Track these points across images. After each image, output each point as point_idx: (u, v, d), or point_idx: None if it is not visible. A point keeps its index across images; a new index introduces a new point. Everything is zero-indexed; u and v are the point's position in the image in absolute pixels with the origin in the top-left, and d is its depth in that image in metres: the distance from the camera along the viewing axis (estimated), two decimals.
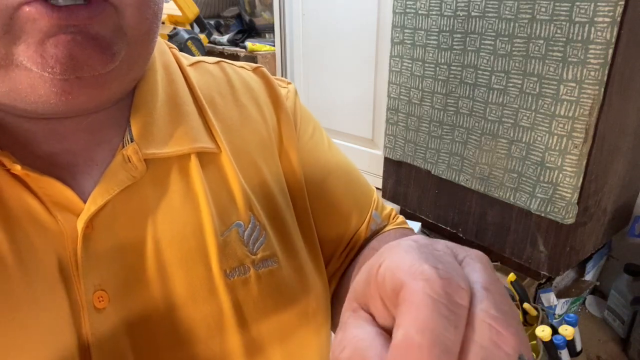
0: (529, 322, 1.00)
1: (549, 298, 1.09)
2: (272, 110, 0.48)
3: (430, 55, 1.03)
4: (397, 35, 1.09)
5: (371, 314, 0.21)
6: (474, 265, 0.21)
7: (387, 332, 0.20)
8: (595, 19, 0.75)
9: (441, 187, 1.11)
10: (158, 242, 0.37)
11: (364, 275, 0.22)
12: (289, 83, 0.51)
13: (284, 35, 1.67)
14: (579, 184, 0.86)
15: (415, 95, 1.09)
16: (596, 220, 0.98)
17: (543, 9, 0.82)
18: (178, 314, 0.37)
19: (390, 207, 0.57)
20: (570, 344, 0.94)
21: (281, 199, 0.45)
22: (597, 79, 0.78)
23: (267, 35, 1.93)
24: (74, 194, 0.34)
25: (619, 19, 0.75)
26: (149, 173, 0.37)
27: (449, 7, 0.97)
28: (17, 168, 0.32)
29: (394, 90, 1.14)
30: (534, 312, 0.99)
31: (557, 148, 0.85)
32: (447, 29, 0.98)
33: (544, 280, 1.10)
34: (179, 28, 1.63)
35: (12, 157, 0.32)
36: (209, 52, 1.87)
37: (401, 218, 0.57)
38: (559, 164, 0.86)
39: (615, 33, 0.75)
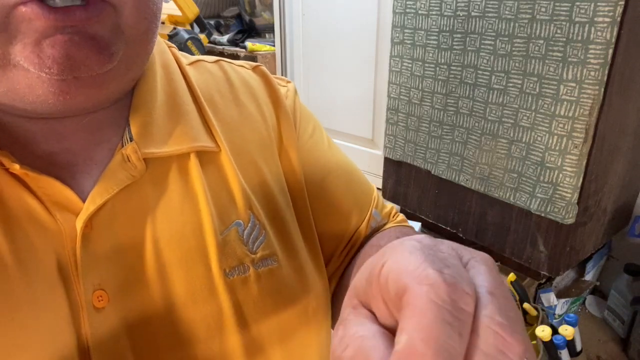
0: (529, 322, 1.00)
1: (549, 298, 1.09)
2: (272, 109, 0.48)
3: (430, 55, 1.03)
4: (397, 35, 1.09)
5: (372, 312, 0.21)
6: (479, 268, 0.20)
7: (389, 331, 0.20)
8: (595, 19, 0.75)
9: (441, 187, 1.11)
10: (157, 241, 0.37)
11: (365, 273, 0.21)
12: (289, 82, 0.51)
13: (284, 35, 1.67)
14: (579, 184, 0.86)
15: (415, 95, 1.09)
16: (596, 220, 0.98)
17: (543, 9, 0.82)
18: (178, 314, 0.37)
19: (391, 205, 0.57)
20: (570, 344, 0.94)
21: (281, 198, 0.45)
22: (597, 79, 0.78)
23: (267, 35, 1.93)
24: (73, 193, 0.34)
25: (619, 19, 0.74)
26: (149, 172, 0.37)
27: (449, 7, 0.97)
28: (16, 167, 0.32)
29: (394, 90, 1.14)
30: (534, 312, 0.99)
31: (557, 148, 0.85)
32: (447, 29, 0.98)
33: (544, 280, 1.10)
34: (179, 28, 1.63)
35: (11, 157, 0.32)
36: (209, 52, 1.87)
37: (401, 216, 0.57)
38: (559, 164, 0.86)
39: (615, 33, 0.75)
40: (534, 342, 0.94)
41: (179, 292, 0.37)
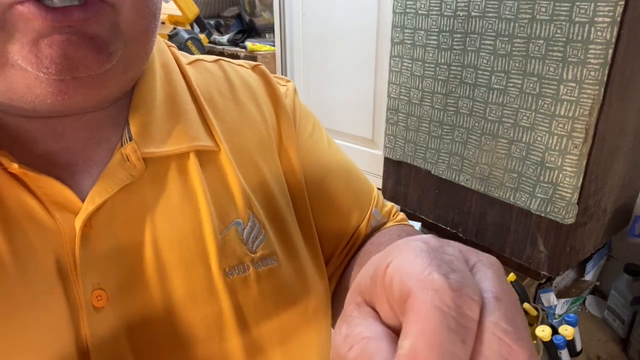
0: (529, 322, 1.00)
1: (549, 298, 1.09)
2: (272, 109, 0.48)
3: (430, 55, 1.03)
4: (397, 35, 1.09)
5: (375, 311, 0.21)
6: (486, 272, 0.20)
7: (393, 331, 0.19)
8: (595, 19, 0.75)
9: (441, 187, 1.11)
10: (157, 241, 0.36)
11: (370, 271, 0.21)
12: (288, 81, 0.51)
13: (284, 35, 1.67)
14: (579, 184, 0.85)
15: (415, 95, 1.09)
16: (596, 220, 0.97)
17: (543, 9, 0.82)
18: (177, 314, 0.37)
19: (391, 204, 0.57)
20: (570, 344, 0.94)
21: (281, 197, 0.45)
22: (597, 79, 0.78)
23: (267, 35, 1.93)
24: (72, 193, 0.34)
25: (619, 19, 0.74)
26: (148, 172, 0.37)
27: (449, 7, 0.96)
28: (15, 167, 0.32)
29: (394, 90, 1.14)
30: (534, 312, 0.99)
31: (557, 148, 0.85)
32: (447, 29, 0.98)
33: (544, 280, 1.10)
34: (179, 28, 1.63)
35: (9, 157, 0.32)
36: (209, 52, 1.87)
37: (401, 215, 0.57)
38: (559, 164, 0.85)
39: (615, 33, 0.75)
40: (534, 342, 0.94)
41: (178, 291, 0.37)
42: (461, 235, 1.10)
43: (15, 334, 0.31)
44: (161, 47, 0.44)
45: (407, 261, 0.19)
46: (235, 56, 1.83)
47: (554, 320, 1.11)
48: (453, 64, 0.99)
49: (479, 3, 0.91)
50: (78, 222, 0.33)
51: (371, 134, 1.45)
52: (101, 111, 0.37)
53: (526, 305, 0.99)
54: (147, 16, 0.33)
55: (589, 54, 0.77)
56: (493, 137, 0.95)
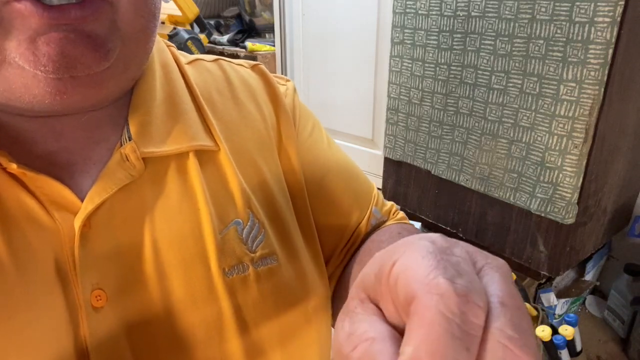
0: None
1: (549, 298, 1.09)
2: (271, 108, 0.48)
3: (430, 55, 1.03)
4: (397, 35, 1.09)
5: (379, 308, 0.20)
6: (493, 276, 0.19)
7: (397, 330, 0.19)
8: (595, 19, 0.75)
9: (441, 187, 1.11)
10: (156, 241, 0.36)
11: (375, 268, 0.20)
12: (288, 80, 0.51)
13: (284, 35, 1.67)
14: (579, 184, 0.85)
15: (415, 95, 1.09)
16: (596, 220, 0.97)
17: (543, 9, 0.82)
18: (177, 314, 0.37)
19: (391, 203, 0.57)
20: (570, 344, 0.94)
21: (281, 197, 0.45)
22: (597, 79, 0.78)
23: (267, 35, 1.93)
24: (71, 192, 0.34)
25: (619, 19, 0.74)
26: (147, 172, 0.37)
27: (449, 7, 0.96)
28: (13, 167, 0.32)
29: (394, 90, 1.14)
30: (534, 312, 0.99)
31: (557, 148, 0.85)
32: (447, 29, 0.98)
33: (544, 280, 1.10)
34: (179, 28, 1.63)
35: (8, 157, 0.32)
36: (209, 52, 1.87)
37: (401, 214, 0.57)
38: (559, 164, 0.85)
39: (615, 33, 0.75)
40: None
41: (178, 292, 0.37)
42: (461, 235, 1.10)
43: (14, 334, 0.31)
44: (161, 47, 0.44)
45: (413, 262, 0.18)
46: (235, 56, 1.83)
47: (554, 320, 1.11)
48: (453, 64, 0.99)
49: (479, 3, 0.91)
50: (77, 222, 0.33)
51: (371, 134, 1.45)
52: (101, 111, 0.37)
53: (526, 305, 0.99)
54: (145, 15, 0.33)
55: (589, 54, 0.77)
56: (493, 137, 0.95)
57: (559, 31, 0.80)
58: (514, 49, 0.87)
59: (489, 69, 0.92)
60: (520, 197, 0.93)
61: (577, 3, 0.77)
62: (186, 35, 1.61)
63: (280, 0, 1.62)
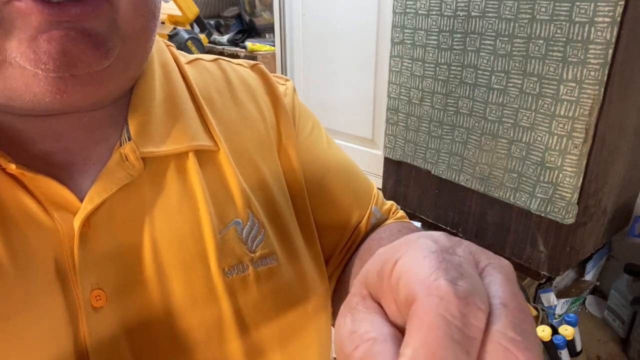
0: None
1: (549, 298, 1.09)
2: (271, 108, 0.48)
3: (430, 55, 1.03)
4: (397, 35, 1.09)
5: (381, 306, 0.20)
6: (495, 276, 0.19)
7: (399, 329, 0.19)
8: (595, 19, 0.75)
9: (441, 187, 1.11)
10: (156, 241, 0.36)
11: (377, 265, 0.20)
12: (287, 80, 0.51)
13: (284, 35, 1.67)
14: (579, 184, 0.85)
15: (415, 95, 1.09)
16: (596, 220, 0.97)
17: (543, 9, 0.82)
18: (177, 315, 0.37)
19: (391, 202, 0.57)
20: (570, 344, 0.94)
21: (280, 197, 0.45)
22: (597, 79, 0.78)
23: (267, 35, 1.93)
24: (70, 192, 0.34)
25: (619, 19, 0.74)
26: (147, 172, 0.37)
27: (449, 7, 0.96)
28: (12, 167, 0.32)
29: (394, 90, 1.14)
30: (534, 312, 0.99)
31: (557, 148, 0.85)
32: (447, 29, 0.98)
33: (544, 280, 1.10)
34: (179, 28, 1.63)
35: (7, 157, 0.32)
36: (209, 52, 1.87)
37: (401, 213, 0.57)
38: (559, 164, 0.85)
39: (615, 33, 0.75)
40: None
41: (177, 292, 0.37)
42: (461, 236, 1.10)
43: (14, 334, 0.31)
44: (160, 46, 0.44)
45: (415, 262, 0.18)
46: (235, 56, 1.83)
47: (554, 320, 1.11)
48: (453, 64, 0.99)
49: (479, 3, 0.91)
50: (77, 222, 0.33)
51: (371, 134, 1.45)
52: (100, 110, 0.37)
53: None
54: (145, 14, 0.33)
55: (589, 54, 0.77)
56: (493, 137, 0.95)
57: (559, 31, 0.80)
58: (514, 49, 0.87)
59: (489, 69, 0.92)
60: (520, 197, 0.93)
61: (577, 3, 0.77)
62: (186, 35, 1.61)
63: (280, 0, 1.62)
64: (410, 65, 1.08)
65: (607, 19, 0.74)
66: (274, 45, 1.74)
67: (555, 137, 0.85)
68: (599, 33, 0.75)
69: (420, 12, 1.02)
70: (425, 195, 1.15)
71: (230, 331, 0.38)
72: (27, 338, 0.31)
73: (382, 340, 0.18)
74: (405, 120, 1.13)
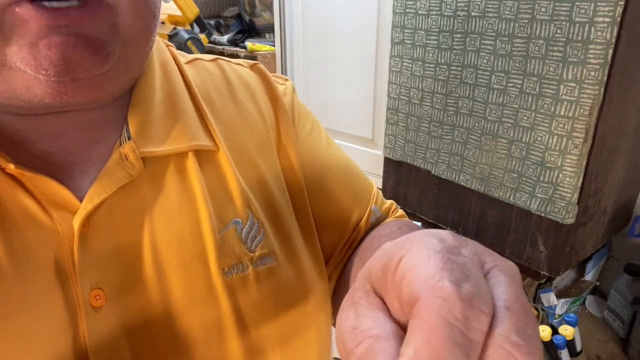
0: None
1: (549, 298, 1.09)
2: (270, 108, 0.48)
3: (430, 55, 1.03)
4: (397, 35, 1.09)
5: (384, 302, 0.20)
6: (500, 279, 0.19)
7: (402, 327, 0.19)
8: (595, 19, 0.75)
9: (441, 187, 1.11)
10: (155, 241, 0.36)
11: (382, 260, 0.20)
12: (287, 79, 0.51)
13: (284, 35, 1.67)
14: (579, 184, 0.85)
15: (415, 95, 1.09)
16: (596, 220, 0.97)
17: (543, 9, 0.81)
18: (176, 315, 0.37)
19: (390, 201, 0.57)
20: (570, 344, 0.94)
21: (280, 196, 0.45)
22: (597, 79, 0.78)
23: (267, 35, 1.93)
24: (69, 192, 0.34)
25: (619, 19, 0.74)
26: (146, 171, 0.37)
27: (449, 7, 0.96)
28: (11, 167, 0.32)
29: (394, 90, 1.14)
30: (534, 312, 0.99)
31: (557, 148, 0.85)
32: (447, 29, 0.98)
33: (544, 280, 1.10)
34: (179, 28, 1.63)
35: (6, 157, 0.32)
36: (209, 52, 1.87)
37: (401, 211, 0.57)
38: (559, 164, 0.85)
39: (615, 33, 0.75)
40: None
41: (177, 292, 0.37)
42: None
43: (13, 334, 0.31)
44: (160, 46, 0.44)
45: (419, 261, 0.18)
46: (235, 56, 1.83)
47: (554, 320, 1.11)
48: (453, 64, 0.99)
49: (479, 3, 0.91)
50: (76, 222, 0.33)
51: (371, 134, 1.45)
52: (100, 110, 0.37)
53: None
54: (145, 16, 0.33)
55: (589, 54, 0.77)
56: (493, 137, 0.95)
57: (559, 31, 0.80)
58: (514, 49, 0.87)
59: (489, 69, 0.92)
60: (520, 197, 0.93)
61: (577, 3, 0.77)
62: (186, 35, 1.61)
63: (280, 0, 1.62)
64: (410, 65, 1.08)
65: (607, 19, 0.74)
66: (274, 45, 1.74)
67: (555, 137, 0.85)
68: (599, 33, 0.75)
69: (420, 12, 1.02)
70: (425, 195, 1.15)
71: (230, 331, 0.38)
72: (27, 338, 0.31)
73: (385, 338, 0.18)
74: (405, 120, 1.13)
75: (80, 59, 0.29)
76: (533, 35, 0.84)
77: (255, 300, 0.40)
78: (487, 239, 1.04)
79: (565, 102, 0.82)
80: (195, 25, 1.79)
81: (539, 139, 0.87)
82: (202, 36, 1.75)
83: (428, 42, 1.02)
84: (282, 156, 0.47)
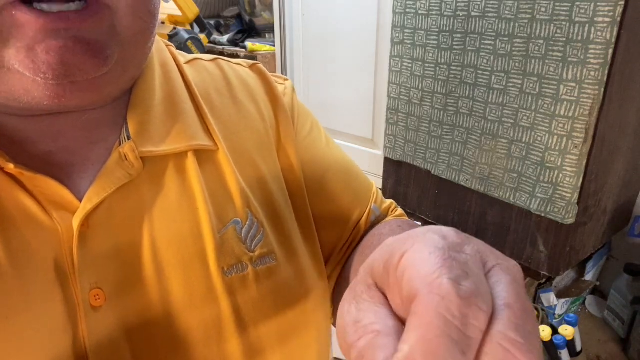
0: None
1: (549, 298, 1.09)
2: (270, 107, 0.48)
3: (430, 55, 1.03)
4: (397, 35, 1.09)
5: (386, 297, 0.20)
6: (501, 277, 0.19)
7: (402, 322, 0.19)
8: (595, 19, 0.75)
9: (441, 187, 1.11)
10: (155, 241, 0.36)
11: (385, 256, 0.20)
12: (286, 79, 0.51)
13: (284, 35, 1.67)
14: (579, 184, 0.85)
15: (415, 95, 1.09)
16: (596, 220, 0.97)
17: (543, 9, 0.81)
18: (176, 314, 0.37)
19: (390, 200, 0.57)
20: (570, 344, 0.94)
21: (279, 196, 0.45)
22: (597, 79, 0.78)
23: (267, 35, 1.93)
24: (69, 192, 0.34)
25: (619, 19, 0.74)
26: (146, 171, 0.37)
27: (449, 7, 0.96)
28: (10, 167, 0.32)
29: (394, 90, 1.14)
30: (534, 312, 0.99)
31: (557, 148, 0.85)
32: (447, 29, 0.98)
33: (544, 280, 1.10)
34: (179, 28, 1.63)
35: (5, 157, 0.32)
36: (209, 52, 1.86)
37: (400, 211, 0.57)
38: (559, 164, 0.85)
39: (615, 33, 0.75)
40: None
41: (177, 291, 0.37)
42: None
43: (13, 334, 0.31)
44: (160, 46, 0.44)
45: (420, 258, 0.18)
46: (235, 56, 1.83)
47: (554, 320, 1.11)
48: (453, 64, 0.99)
49: (479, 3, 0.91)
50: (76, 221, 0.33)
51: (371, 134, 1.45)
52: (99, 110, 0.37)
53: None
54: (145, 17, 0.33)
55: (589, 54, 0.77)
56: (493, 137, 0.95)
57: (559, 31, 0.80)
58: (514, 49, 0.87)
59: (489, 69, 0.92)
60: (520, 197, 0.93)
61: (577, 3, 0.77)
62: (186, 35, 1.61)
63: (280, 0, 1.62)
64: (410, 65, 1.08)
65: (607, 19, 0.74)
66: (274, 45, 1.74)
67: (555, 137, 0.85)
68: (599, 33, 0.75)
69: (420, 12, 1.02)
70: (425, 195, 1.15)
71: (230, 330, 0.38)
72: (26, 338, 0.31)
73: (386, 333, 0.18)
74: (405, 120, 1.13)
75: (79, 63, 0.29)
76: (533, 35, 0.84)
77: (254, 299, 0.40)
78: (487, 239, 1.04)
79: (565, 102, 0.82)
80: (195, 25, 1.79)
81: (539, 139, 0.87)
82: (202, 36, 1.75)
83: (428, 42, 1.02)
84: (282, 156, 0.47)
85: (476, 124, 0.97)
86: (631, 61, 0.82)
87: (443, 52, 1.00)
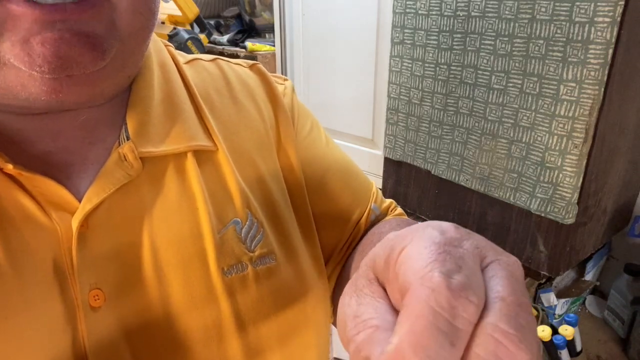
0: None
1: (549, 298, 1.09)
2: (270, 107, 0.48)
3: (430, 55, 1.03)
4: (397, 35, 1.09)
5: (386, 291, 0.20)
6: (497, 272, 0.19)
7: None
8: (595, 19, 0.75)
9: (441, 187, 1.11)
10: (154, 241, 0.36)
11: (386, 250, 0.20)
12: (286, 79, 0.51)
13: (284, 35, 1.67)
14: (579, 184, 0.85)
15: (415, 95, 1.09)
16: (596, 220, 0.97)
17: (543, 9, 0.81)
18: (176, 314, 0.37)
19: (390, 200, 0.57)
20: (570, 344, 0.94)
21: (279, 196, 0.45)
22: (597, 79, 0.78)
23: (267, 35, 1.93)
24: (68, 192, 0.33)
25: (619, 19, 0.74)
26: (145, 171, 0.37)
27: (449, 7, 0.96)
28: (9, 167, 0.31)
29: (394, 90, 1.14)
30: (534, 312, 0.99)
31: (557, 148, 0.85)
32: (447, 29, 0.98)
33: (544, 280, 1.10)
34: (179, 28, 1.63)
35: (4, 157, 0.32)
36: (209, 52, 1.86)
37: (400, 210, 0.57)
38: (559, 164, 0.85)
39: (615, 33, 0.75)
40: None
41: (176, 292, 0.37)
42: None
43: (12, 335, 0.31)
44: (159, 46, 0.44)
45: (416, 252, 0.18)
46: (235, 56, 1.83)
47: (554, 320, 1.10)
48: (453, 64, 0.99)
49: (479, 3, 0.91)
50: (75, 222, 0.33)
51: (371, 134, 1.45)
52: (98, 110, 0.37)
53: None
54: (145, 13, 0.33)
55: (589, 54, 0.77)
56: (493, 137, 0.95)
57: (559, 31, 0.80)
58: (514, 49, 0.87)
59: (489, 69, 0.92)
60: (520, 197, 0.93)
61: (577, 3, 0.77)
62: (186, 35, 1.61)
63: (280, 0, 1.62)
64: (410, 65, 1.08)
65: (607, 19, 0.74)
66: (274, 45, 1.74)
67: (555, 137, 0.85)
68: (599, 33, 0.75)
69: (420, 12, 1.02)
70: (425, 195, 1.15)
71: (229, 331, 0.38)
72: (26, 338, 0.31)
73: (384, 328, 0.19)
74: (405, 120, 1.13)
75: (75, 55, 0.29)
76: (533, 35, 0.84)
77: (254, 300, 0.40)
78: (487, 239, 1.04)
79: (565, 102, 0.82)
80: (195, 25, 1.79)
81: (539, 139, 0.87)
82: (202, 36, 1.75)
83: (428, 42, 1.02)
84: (282, 156, 0.47)
85: (476, 124, 0.97)
86: (631, 61, 0.82)
87: (443, 52, 1.00)
